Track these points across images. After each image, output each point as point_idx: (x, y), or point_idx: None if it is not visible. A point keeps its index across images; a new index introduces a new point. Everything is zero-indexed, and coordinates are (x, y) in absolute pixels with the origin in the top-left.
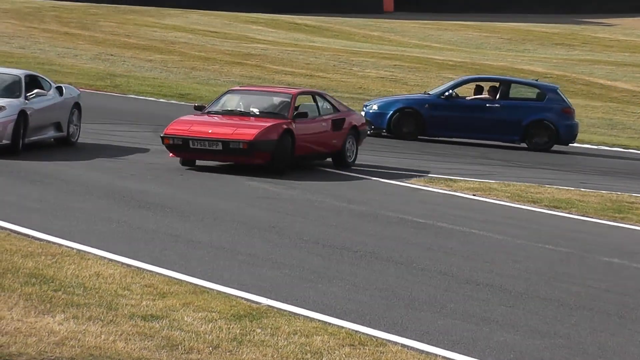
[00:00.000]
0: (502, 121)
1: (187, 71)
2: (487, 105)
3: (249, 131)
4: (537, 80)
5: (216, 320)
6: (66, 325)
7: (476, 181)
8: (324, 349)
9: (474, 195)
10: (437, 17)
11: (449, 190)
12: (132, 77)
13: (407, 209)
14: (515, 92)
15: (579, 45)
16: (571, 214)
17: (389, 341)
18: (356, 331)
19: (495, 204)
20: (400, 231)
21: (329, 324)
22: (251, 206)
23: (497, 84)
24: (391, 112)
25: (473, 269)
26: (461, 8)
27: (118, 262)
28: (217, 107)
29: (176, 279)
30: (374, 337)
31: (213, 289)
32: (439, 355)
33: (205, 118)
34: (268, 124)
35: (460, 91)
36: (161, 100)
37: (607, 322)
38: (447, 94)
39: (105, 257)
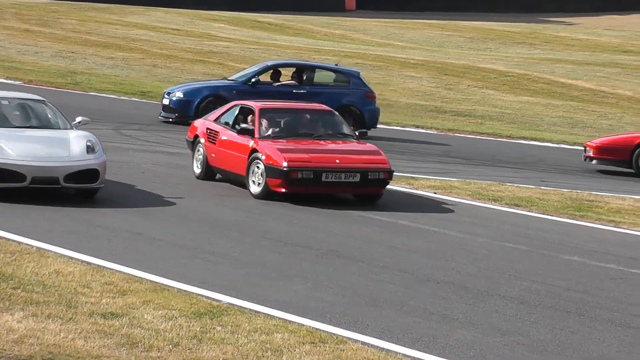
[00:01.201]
0: None
1: (149, 69)
2: (294, 91)
3: (377, 158)
4: (337, 65)
5: (176, 318)
6: (25, 323)
7: (437, 179)
8: (285, 347)
9: (435, 193)
10: (400, 16)
11: (410, 189)
12: (93, 74)
13: (368, 207)
14: (320, 77)
15: (540, 44)
16: (532, 212)
17: (350, 339)
18: (317, 329)
19: (456, 201)
20: (362, 229)
21: (290, 321)
22: (214, 204)
23: (300, 69)
24: (199, 99)
25: (434, 267)
26: (423, 7)
27: (78, 259)
28: (269, 132)
29: (136, 276)
30: (335, 334)
31: (173, 287)
32: (399, 353)
33: (289, 145)
34: (373, 148)
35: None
36: (122, 97)
37: (566, 320)
38: (253, 80)
39: (65, 255)
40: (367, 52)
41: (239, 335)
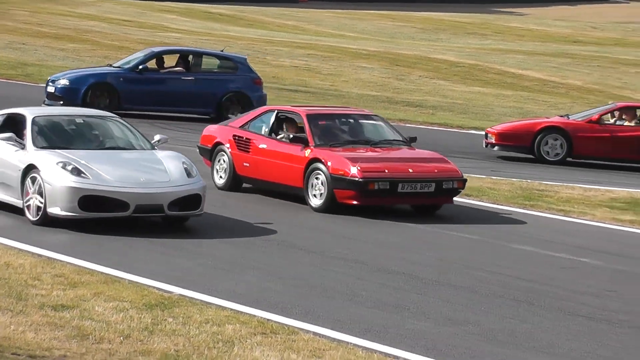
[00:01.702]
0: (197, 94)
1: (100, 60)
2: (182, 78)
3: (448, 166)
4: (222, 51)
5: (127, 310)
6: None
7: None
8: (236, 338)
9: None
10: (352, 7)
11: None
12: (45, 66)
13: None
14: (207, 64)
15: (491, 35)
16: (482, 201)
17: (301, 329)
18: (268, 320)
19: None
20: (314, 220)
21: (241, 312)
22: None
23: (186, 56)
24: (85, 86)
25: (386, 257)
26: None
27: (28, 252)
28: (322, 139)
29: (87, 268)
30: (286, 325)
31: (125, 279)
32: (351, 343)
33: (353, 153)
34: (439, 155)
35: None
36: None
37: (516, 309)
38: (140, 67)
39: (15, 247)
40: (320, 43)
41: (190, 327)
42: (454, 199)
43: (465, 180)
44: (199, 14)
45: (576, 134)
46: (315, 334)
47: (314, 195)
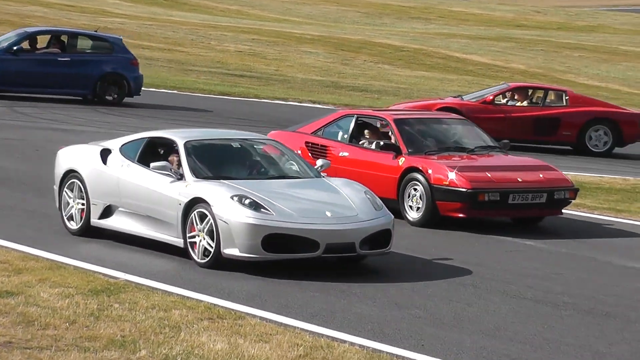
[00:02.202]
0: (73, 75)
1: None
2: (59, 59)
3: (556, 175)
4: (96, 31)
5: (73, 296)
6: None
7: None
8: (183, 323)
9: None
10: None
11: None
12: None
13: None
14: (83, 44)
15: (435, 19)
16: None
17: (248, 314)
18: (215, 305)
19: None
20: None
21: (188, 297)
22: None
23: (59, 36)
24: None
25: None
26: None
27: None
28: (416, 146)
29: (32, 254)
30: (233, 310)
31: (70, 265)
32: (298, 327)
33: (455, 161)
34: (543, 163)
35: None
36: None
37: (462, 292)
38: (15, 48)
39: None
40: (264, 27)
41: (137, 312)
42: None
43: (577, 190)
44: None
45: (471, 115)
46: (262, 318)
47: (411, 208)
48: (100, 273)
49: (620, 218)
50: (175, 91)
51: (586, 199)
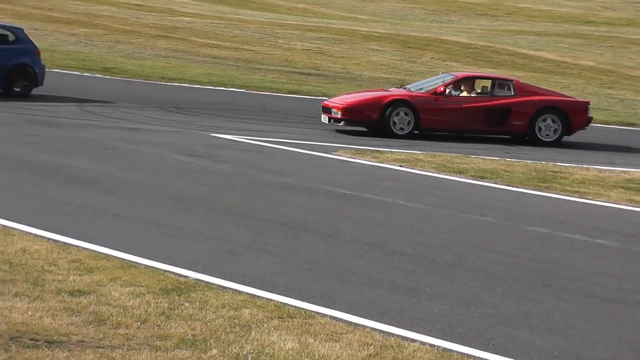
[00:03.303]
0: None
1: (112, 45)
2: None
3: None
4: None
5: (144, 295)
6: None
7: (403, 152)
8: (253, 322)
9: (400, 166)
10: None
11: (376, 162)
12: (56, 51)
13: (334, 180)
14: None
15: (502, 16)
16: (497, 183)
17: (318, 313)
18: (284, 304)
19: (422, 174)
20: (328, 203)
21: (257, 296)
22: (178, 180)
23: None
24: None
25: (400, 240)
26: None
27: (44, 237)
28: None
29: (103, 253)
30: (303, 309)
31: (140, 264)
32: (367, 327)
33: None
34: None
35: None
36: (85, 74)
37: (532, 291)
38: None
39: (31, 233)
40: (330, 25)
41: (207, 311)
42: (466, 180)
43: None
44: None
45: (422, 106)
46: (331, 317)
47: None
48: (170, 272)
49: None
50: (242, 90)
51: None
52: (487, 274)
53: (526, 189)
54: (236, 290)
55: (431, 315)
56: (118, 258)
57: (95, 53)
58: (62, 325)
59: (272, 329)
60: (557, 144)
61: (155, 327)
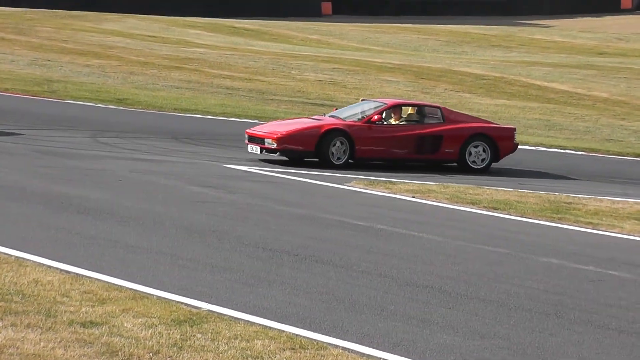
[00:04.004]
0: None
1: (125, 76)
2: None
3: None
4: None
5: (156, 326)
6: (4, 333)
7: (415, 183)
8: (265, 353)
9: (413, 197)
10: (375, 20)
11: (389, 193)
12: (70, 82)
13: (346, 211)
14: None
15: (516, 47)
16: (510, 214)
17: (330, 344)
18: (297, 335)
19: (435, 205)
20: (340, 234)
21: (270, 327)
22: (191, 211)
23: None
24: None
25: (413, 271)
26: (398, 11)
27: (57, 268)
28: None
29: (115, 284)
30: (315, 340)
31: (153, 294)
32: (380, 358)
33: None
34: None
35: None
36: (99, 105)
37: (545, 322)
38: None
39: (43, 264)
40: (344, 56)
41: (219, 342)
42: (479, 211)
43: None
44: (223, 29)
45: (357, 135)
46: (344, 348)
47: None
48: (182, 303)
49: None
50: (256, 120)
51: None
52: (500, 305)
53: (539, 220)
54: (248, 321)
55: (444, 346)
56: (130, 289)
57: (108, 84)
58: (74, 357)
59: None
60: (486, 171)
61: (168, 358)
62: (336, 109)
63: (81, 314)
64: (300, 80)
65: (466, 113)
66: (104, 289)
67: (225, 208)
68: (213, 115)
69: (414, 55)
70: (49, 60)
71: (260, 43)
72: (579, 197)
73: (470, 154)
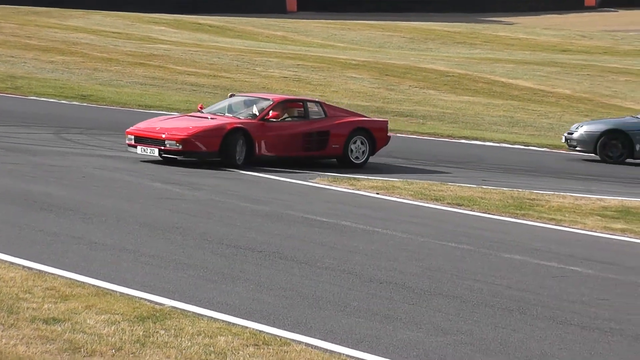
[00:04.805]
0: None
1: (90, 72)
2: None
3: None
4: None
5: (119, 322)
6: None
7: (380, 180)
8: (228, 350)
9: (377, 193)
10: (341, 17)
11: (353, 189)
12: (34, 78)
13: (311, 208)
14: None
15: (480, 44)
16: (473, 211)
17: (293, 340)
18: (260, 331)
19: (399, 202)
20: (304, 231)
21: (233, 324)
22: (155, 207)
23: None
24: None
25: (376, 268)
26: (364, 8)
27: (19, 265)
28: None
29: (78, 281)
30: (278, 336)
31: (116, 291)
32: (343, 354)
33: None
34: None
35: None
36: (63, 102)
37: (508, 318)
38: None
39: (6, 261)
40: (309, 53)
41: (183, 339)
42: (443, 208)
43: None
44: (188, 26)
45: (255, 134)
46: (307, 345)
47: None
48: (146, 299)
49: None
50: None
51: (633, 224)
52: (463, 301)
53: (503, 216)
54: (212, 317)
55: (407, 342)
56: (93, 286)
57: (73, 80)
58: (36, 354)
59: (248, 356)
60: (364, 165)
61: (130, 355)
62: (201, 105)
63: (44, 311)
64: (265, 77)
65: (341, 107)
66: (67, 286)
67: (189, 205)
68: (178, 112)
69: (378, 52)
70: (12, 57)
71: (225, 40)
72: (542, 194)
73: (352, 148)
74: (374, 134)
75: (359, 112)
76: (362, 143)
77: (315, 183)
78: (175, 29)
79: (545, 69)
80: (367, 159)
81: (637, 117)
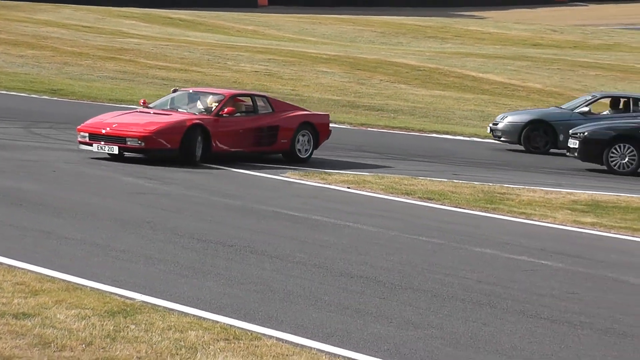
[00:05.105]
0: None
1: (60, 66)
2: None
3: None
4: None
5: (89, 317)
6: None
7: (350, 174)
8: (199, 344)
9: (348, 188)
10: (312, 11)
11: (324, 184)
12: (3, 72)
13: (281, 202)
14: None
15: (451, 38)
16: (444, 205)
17: (264, 335)
18: (231, 325)
19: (369, 196)
20: (275, 225)
21: (204, 318)
22: (125, 202)
23: None
24: None
25: (347, 262)
26: (335, 2)
27: None
28: None
29: (49, 276)
30: (249, 331)
31: (86, 286)
32: (314, 348)
33: None
34: None
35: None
36: (33, 96)
37: (479, 312)
38: None
39: None
40: (280, 47)
41: (153, 334)
42: (414, 202)
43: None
44: (158, 20)
45: (213, 130)
46: (278, 339)
47: None
48: (116, 294)
49: (636, 237)
50: None
51: (603, 217)
52: (433, 295)
53: (473, 210)
54: (182, 312)
55: (378, 336)
56: (63, 280)
57: (43, 75)
58: (6, 348)
59: (218, 350)
60: (309, 159)
61: (101, 350)
62: (144, 101)
63: (13, 306)
64: (237, 71)
65: (284, 101)
66: (37, 281)
67: (160, 199)
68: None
69: (349, 46)
70: None
71: (196, 34)
72: (512, 188)
73: (298, 142)
74: (318, 128)
75: (300, 106)
76: (306, 137)
77: (287, 177)
78: (146, 23)
79: (516, 63)
80: (312, 153)
81: (561, 108)
